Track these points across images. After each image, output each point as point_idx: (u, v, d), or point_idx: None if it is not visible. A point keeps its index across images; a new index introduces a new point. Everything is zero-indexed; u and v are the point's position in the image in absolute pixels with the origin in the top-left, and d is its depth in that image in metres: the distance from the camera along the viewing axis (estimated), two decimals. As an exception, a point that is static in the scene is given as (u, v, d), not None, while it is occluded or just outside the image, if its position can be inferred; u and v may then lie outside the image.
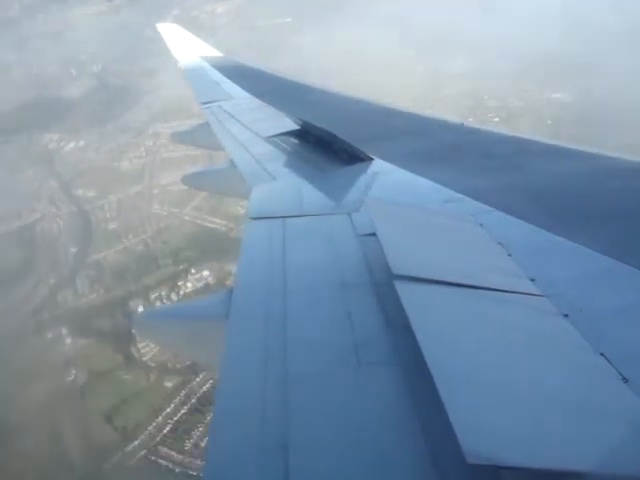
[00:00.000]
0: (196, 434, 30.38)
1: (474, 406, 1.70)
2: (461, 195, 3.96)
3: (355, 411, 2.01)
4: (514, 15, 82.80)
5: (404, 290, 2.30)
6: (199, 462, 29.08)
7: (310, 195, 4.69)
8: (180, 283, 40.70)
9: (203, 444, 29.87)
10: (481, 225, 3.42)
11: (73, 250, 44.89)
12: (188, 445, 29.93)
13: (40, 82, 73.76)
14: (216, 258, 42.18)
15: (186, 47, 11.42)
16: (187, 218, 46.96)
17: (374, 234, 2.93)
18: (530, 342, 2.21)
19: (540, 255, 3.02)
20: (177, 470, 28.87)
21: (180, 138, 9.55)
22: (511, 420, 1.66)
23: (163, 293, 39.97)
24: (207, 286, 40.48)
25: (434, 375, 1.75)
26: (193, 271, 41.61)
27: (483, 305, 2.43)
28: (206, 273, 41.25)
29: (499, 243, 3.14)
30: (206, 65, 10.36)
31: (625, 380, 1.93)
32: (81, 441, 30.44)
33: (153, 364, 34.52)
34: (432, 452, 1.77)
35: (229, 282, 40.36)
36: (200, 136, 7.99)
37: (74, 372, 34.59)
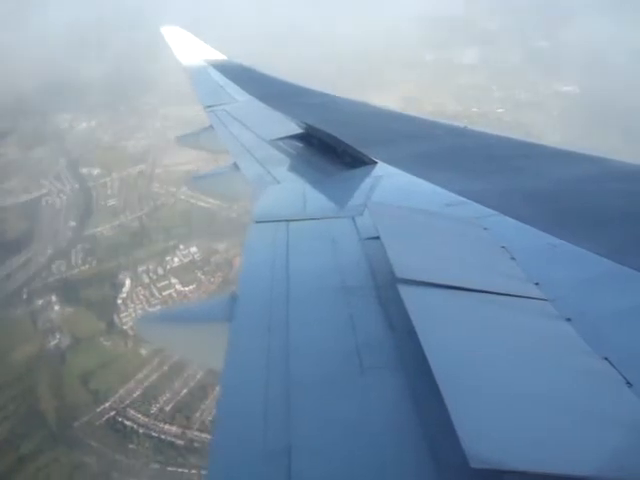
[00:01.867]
0: (163, 399, 31.74)
1: (478, 410, 1.70)
2: (465, 199, 3.94)
3: (358, 416, 2.01)
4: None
5: (408, 294, 2.31)
6: (162, 425, 30.47)
7: (314, 198, 4.69)
8: (168, 258, 42.11)
9: (168, 408, 31.25)
10: (485, 229, 3.40)
11: (72, 224, 46.64)
12: (154, 409, 31.30)
13: (61, 65, 76.02)
14: (205, 236, 43.50)
15: (190, 50, 11.32)
16: (182, 197, 48.27)
17: (378, 238, 2.94)
18: (534, 346, 2.22)
19: (544, 259, 3.00)
20: (140, 431, 30.25)
21: (184, 141, 9.36)
22: (515, 424, 1.67)
23: (151, 267, 41.42)
24: (193, 262, 41.83)
25: (438, 379, 1.76)
26: (182, 247, 42.97)
27: (486, 309, 2.42)
28: (194, 250, 42.55)
29: (502, 247, 3.13)
30: (210, 68, 10.27)
31: (629, 384, 1.92)
32: (56, 401, 32.08)
33: (132, 332, 35.99)
34: (435, 457, 1.78)
35: (214, 259, 41.66)
36: (204, 140, 7.94)
37: (58, 336, 36.33)
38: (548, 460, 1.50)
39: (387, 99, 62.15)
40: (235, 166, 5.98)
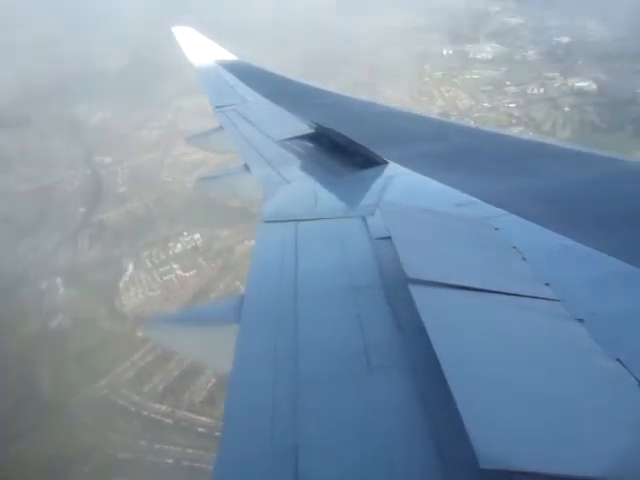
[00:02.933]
0: (156, 379, 32.51)
1: (488, 411, 1.70)
2: (475, 199, 3.91)
3: (365, 416, 2.02)
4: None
5: (419, 294, 2.31)
6: (152, 404, 31.32)
7: (325, 198, 4.70)
8: (171, 244, 42.95)
9: (160, 389, 32.03)
10: (496, 229, 3.39)
11: (82, 210, 47.84)
12: (146, 389, 32.09)
13: (84, 56, 77.60)
14: (209, 223, 44.21)
15: (201, 50, 11.26)
16: (189, 186, 48.94)
17: (389, 237, 2.93)
18: (545, 347, 2.21)
19: (555, 259, 2.99)
20: (132, 409, 31.13)
21: (194, 142, 9.42)
22: (525, 425, 1.66)
23: (154, 252, 42.31)
24: (195, 248, 42.60)
25: (448, 379, 1.75)
26: (185, 234, 43.76)
27: (497, 309, 2.42)
28: (197, 236, 43.33)
29: (514, 247, 3.12)
30: (221, 68, 10.20)
31: None
32: (53, 378, 33.11)
33: (131, 315, 36.98)
34: (443, 457, 1.78)
35: (216, 246, 42.37)
36: (214, 140, 7.90)
37: (61, 317, 37.39)
38: (558, 461, 1.50)
39: (399, 92, 62.32)
40: (245, 167, 5.96)
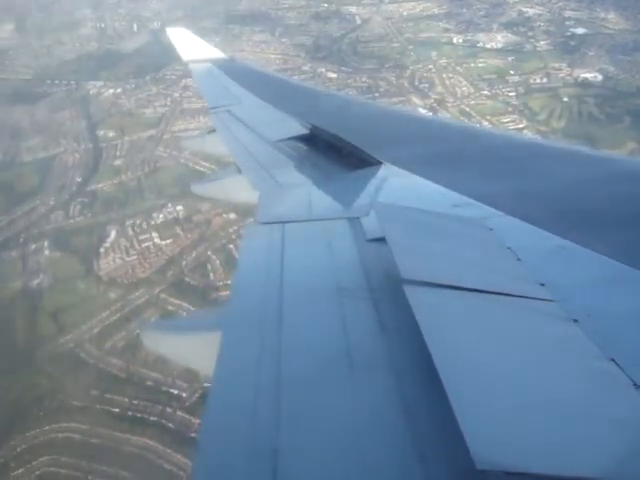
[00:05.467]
0: (117, 337, 34.46)
1: (484, 412, 1.70)
2: (470, 199, 3.92)
3: (347, 416, 2.03)
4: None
5: (414, 294, 2.31)
6: (110, 358, 33.33)
7: (318, 199, 4.70)
8: (154, 214, 44.79)
9: (120, 346, 33.99)
10: (490, 229, 3.38)
11: (78, 180, 50.11)
12: (108, 345, 34.08)
13: (104, 36, 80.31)
14: (193, 196, 45.80)
15: (195, 51, 11.23)
16: (182, 161, 50.71)
17: (383, 238, 2.94)
18: (540, 347, 2.21)
19: (550, 260, 2.99)
20: (91, 362, 33.19)
21: (189, 145, 9.63)
22: (521, 426, 1.67)
23: (137, 222, 44.20)
24: (176, 219, 44.36)
25: (444, 380, 1.75)
26: (169, 205, 45.56)
27: (492, 310, 2.42)
28: (179, 208, 45.00)
29: (508, 248, 3.11)
30: (215, 69, 10.17)
31: (636, 386, 1.92)
32: (26, 332, 35.46)
33: (106, 278, 39.05)
34: (423, 458, 1.78)
35: (196, 218, 44.09)
36: (210, 143, 7.91)
37: (42, 277, 39.72)
38: (554, 462, 1.51)
39: (399, 77, 62.78)
40: (238, 169, 5.98)
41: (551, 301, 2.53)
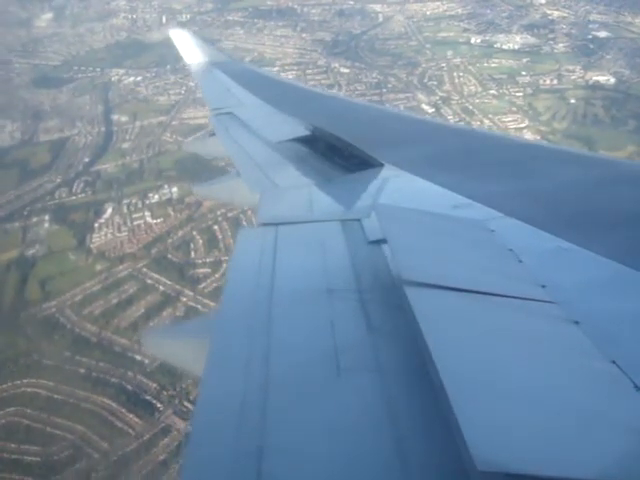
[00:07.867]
0: (95, 305, 36.51)
1: (484, 413, 1.69)
2: (472, 201, 3.91)
3: (333, 417, 2.03)
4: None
5: (414, 296, 2.29)
6: (85, 323, 35.34)
7: (320, 201, 4.66)
8: (150, 195, 46.79)
9: (96, 313, 35.97)
10: (492, 231, 3.36)
11: (85, 160, 52.61)
12: (86, 312, 36.13)
13: (134, 26, 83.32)
14: (189, 179, 47.65)
15: (197, 53, 11.20)
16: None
17: (384, 240, 2.94)
18: (541, 349, 2.20)
19: (551, 262, 2.98)
20: (68, 326, 35.24)
21: (192, 148, 9.66)
22: (522, 428, 1.66)
23: (133, 201, 46.30)
24: (169, 200, 46.28)
25: (444, 381, 1.74)
26: (166, 187, 47.51)
27: (493, 311, 2.41)
28: (174, 190, 46.92)
29: (510, 249, 3.10)
30: (217, 71, 10.08)
31: (637, 388, 1.91)
32: (13, 296, 37.89)
33: (95, 251, 41.21)
34: (408, 460, 1.79)
35: (189, 199, 45.87)
36: (211, 146, 7.93)
37: (37, 247, 42.14)
38: (555, 464, 1.51)
39: (410, 75, 63.35)
40: (238, 172, 5.97)
41: (552, 303, 2.53)
